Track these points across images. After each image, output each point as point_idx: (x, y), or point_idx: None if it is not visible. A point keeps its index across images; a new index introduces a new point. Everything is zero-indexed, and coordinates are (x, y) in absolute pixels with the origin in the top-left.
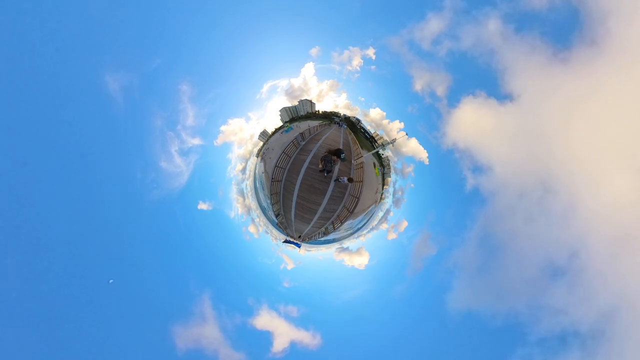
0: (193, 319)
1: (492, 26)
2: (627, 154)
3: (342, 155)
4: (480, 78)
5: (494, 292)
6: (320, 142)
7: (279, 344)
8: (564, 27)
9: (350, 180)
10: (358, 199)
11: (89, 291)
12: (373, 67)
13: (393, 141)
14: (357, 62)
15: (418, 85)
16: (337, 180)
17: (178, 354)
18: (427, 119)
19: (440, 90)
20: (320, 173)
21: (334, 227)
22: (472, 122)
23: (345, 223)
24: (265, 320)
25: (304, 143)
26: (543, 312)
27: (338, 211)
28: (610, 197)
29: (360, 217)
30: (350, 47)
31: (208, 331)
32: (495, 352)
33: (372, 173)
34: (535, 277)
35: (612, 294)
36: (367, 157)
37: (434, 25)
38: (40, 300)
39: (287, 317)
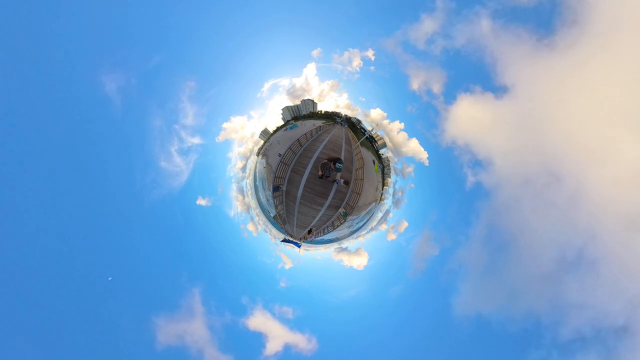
0: (179, 312)
1: (483, 23)
2: (633, 122)
3: (339, 165)
4: (474, 73)
5: (505, 292)
6: (325, 140)
7: (272, 347)
8: (544, 13)
9: (346, 183)
10: (359, 194)
11: (87, 285)
12: (372, 67)
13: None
14: (356, 63)
15: (415, 84)
16: (334, 181)
17: (157, 348)
18: (426, 118)
19: (437, 88)
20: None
21: (333, 226)
22: (469, 117)
23: (348, 220)
24: (259, 321)
25: (307, 143)
26: (562, 311)
27: (342, 207)
28: (621, 170)
29: (360, 216)
30: (350, 49)
31: (194, 328)
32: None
33: (371, 169)
34: (550, 272)
35: (635, 280)
36: (367, 154)
37: (427, 25)
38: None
39: (282, 319)
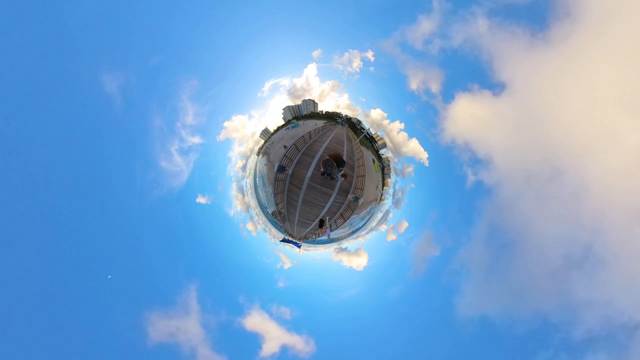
0: (174, 309)
1: (479, 22)
2: (634, 108)
3: (341, 168)
4: (471, 72)
5: (511, 292)
6: (331, 136)
7: (268, 348)
8: (537, 8)
9: (344, 176)
10: (364, 176)
11: (84, 281)
12: (372, 68)
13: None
14: (356, 63)
15: (414, 84)
16: (332, 177)
17: (148, 345)
18: (425, 117)
19: (435, 87)
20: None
21: (343, 217)
22: (468, 115)
23: (359, 204)
24: (256, 321)
25: (317, 135)
26: (571, 309)
27: (351, 192)
28: (624, 159)
29: (361, 215)
30: (350, 50)
31: (188, 325)
32: None
33: (371, 167)
34: (556, 270)
35: None
36: (367, 153)
37: (425, 26)
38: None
39: (279, 320)
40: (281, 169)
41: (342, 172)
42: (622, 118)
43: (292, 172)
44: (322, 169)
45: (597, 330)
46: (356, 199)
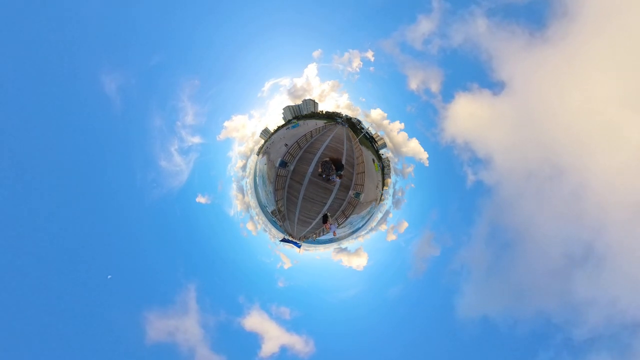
0: (172, 308)
1: (478, 22)
2: (633, 105)
3: (340, 172)
4: (471, 71)
5: (512, 292)
6: (331, 135)
7: (268, 348)
8: (536, 8)
9: (340, 176)
10: (364, 173)
11: (84, 280)
12: (372, 68)
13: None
14: (356, 63)
15: (413, 84)
16: (329, 179)
17: (146, 344)
18: (425, 117)
19: (435, 87)
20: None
21: (344, 214)
22: (468, 115)
23: (360, 200)
24: (255, 321)
25: (318, 135)
26: (573, 309)
27: (352, 188)
28: (625, 156)
29: (361, 215)
30: (350, 50)
31: (187, 325)
32: None
33: (371, 167)
34: (558, 269)
35: None
36: (367, 153)
37: (424, 26)
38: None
39: (279, 320)
40: (283, 164)
41: (339, 174)
42: (622, 116)
43: (294, 168)
44: (320, 170)
45: (600, 330)
46: (357, 195)
